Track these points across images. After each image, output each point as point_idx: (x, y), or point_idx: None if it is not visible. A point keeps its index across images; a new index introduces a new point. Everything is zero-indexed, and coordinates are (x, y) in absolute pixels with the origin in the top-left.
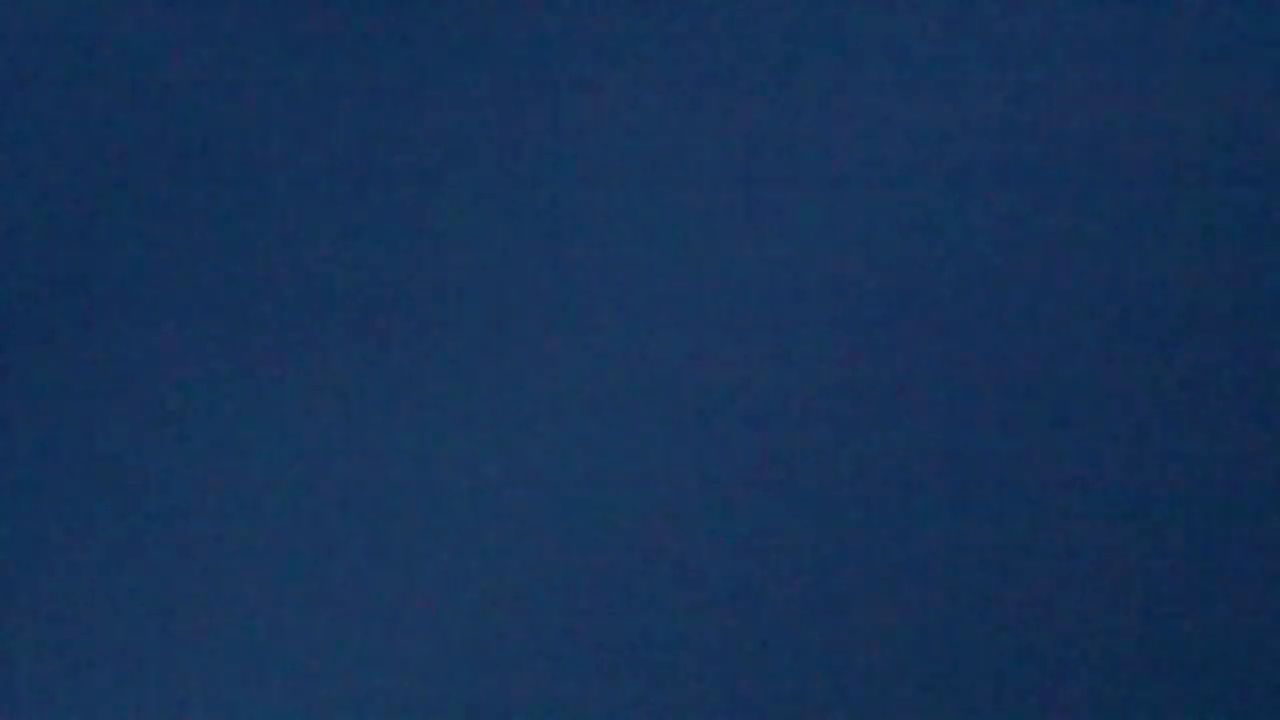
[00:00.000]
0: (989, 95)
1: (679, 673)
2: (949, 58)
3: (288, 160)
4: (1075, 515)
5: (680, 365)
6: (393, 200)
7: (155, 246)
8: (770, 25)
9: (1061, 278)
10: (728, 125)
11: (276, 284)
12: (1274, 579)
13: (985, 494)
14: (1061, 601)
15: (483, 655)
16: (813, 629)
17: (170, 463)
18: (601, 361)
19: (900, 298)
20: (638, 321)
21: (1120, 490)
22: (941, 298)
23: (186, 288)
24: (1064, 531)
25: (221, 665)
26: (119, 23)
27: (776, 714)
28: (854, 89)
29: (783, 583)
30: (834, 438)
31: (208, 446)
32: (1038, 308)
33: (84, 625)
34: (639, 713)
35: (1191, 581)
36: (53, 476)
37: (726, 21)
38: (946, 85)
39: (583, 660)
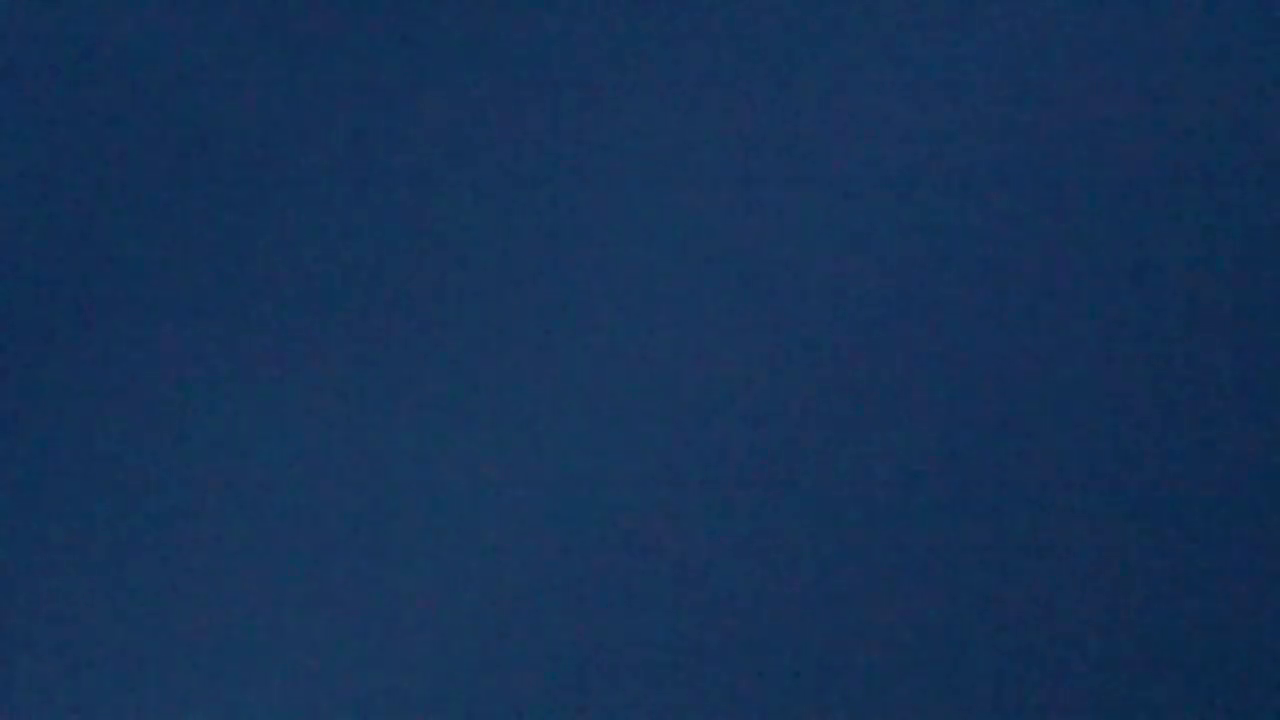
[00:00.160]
0: (989, 95)
1: (679, 673)
2: (949, 58)
3: (288, 160)
4: (1075, 514)
5: (680, 365)
6: (393, 200)
7: (155, 246)
8: (770, 25)
9: (1061, 278)
10: (727, 125)
11: (276, 284)
12: (1274, 579)
13: (985, 493)
14: (1061, 601)
15: (482, 655)
16: (813, 628)
17: (170, 463)
18: (601, 361)
19: (900, 298)
20: (638, 321)
21: (1120, 489)
22: (941, 297)
23: (186, 288)
24: (1064, 531)
25: (221, 665)
26: (119, 23)
27: (777, 714)
28: (854, 89)
29: (782, 582)
30: (833, 437)
31: (208, 446)
32: (1037, 307)
33: (84, 625)
34: (639, 713)
35: (1192, 581)
36: (53, 476)
37: (726, 22)
38: (946, 85)
39: (583, 660)
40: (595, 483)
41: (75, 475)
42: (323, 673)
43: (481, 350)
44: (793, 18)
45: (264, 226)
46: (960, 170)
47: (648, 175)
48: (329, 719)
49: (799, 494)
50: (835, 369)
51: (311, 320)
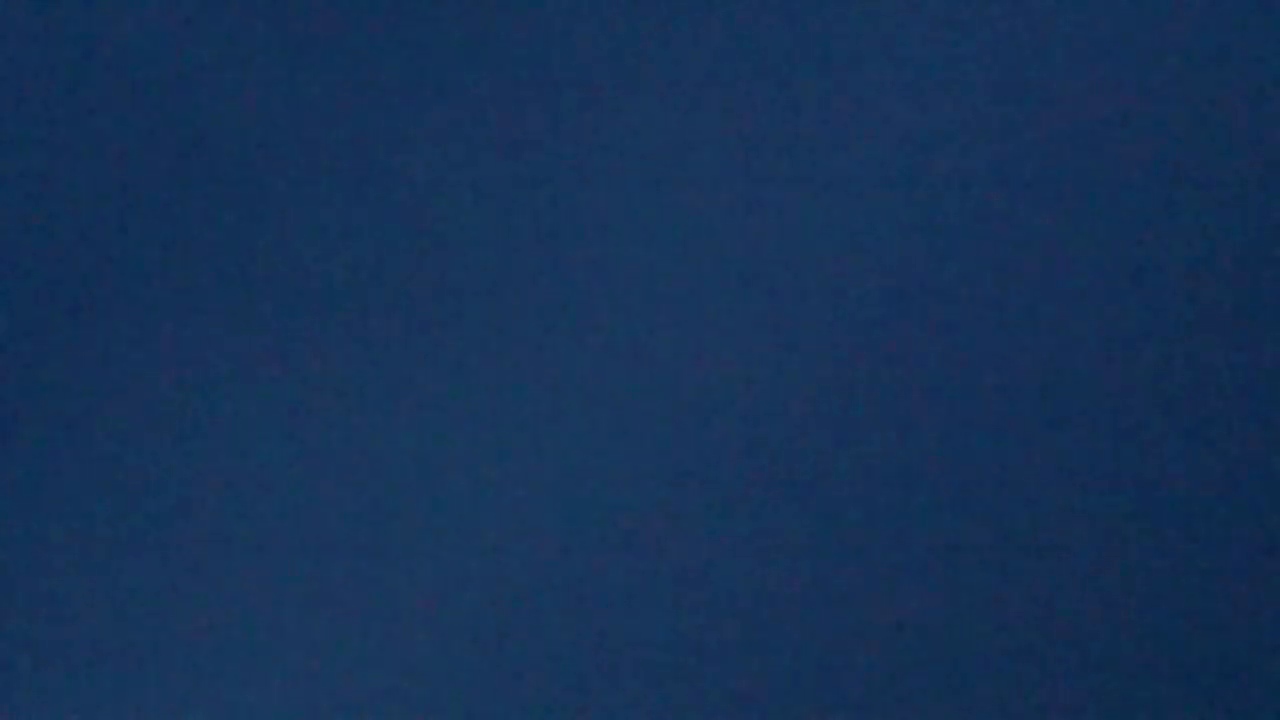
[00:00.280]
0: (989, 96)
1: (679, 672)
2: (949, 58)
3: (288, 160)
4: (1075, 514)
5: (681, 365)
6: (393, 200)
7: (155, 246)
8: (771, 26)
9: (1061, 277)
10: (727, 125)
11: (276, 283)
12: (1274, 579)
13: (985, 493)
14: (1061, 601)
15: (482, 655)
16: (812, 628)
17: (170, 463)
18: (602, 360)
19: (900, 298)
20: (638, 320)
21: (1121, 489)
22: (940, 297)
23: (186, 287)
24: (1063, 531)
25: (221, 665)
26: (119, 23)
27: (777, 714)
28: (854, 89)
29: (783, 582)
30: (834, 437)
31: (208, 446)
32: (1037, 307)
33: (84, 625)
34: (639, 713)
35: (1191, 580)
36: (53, 476)
37: (727, 22)
38: (946, 85)
39: (583, 660)
40: (595, 482)
41: (75, 475)
42: (323, 673)
43: (482, 349)
44: (793, 18)
45: (263, 226)
46: (961, 170)
47: (648, 175)
48: (329, 719)
49: (800, 494)
50: (836, 369)
51: (312, 319)
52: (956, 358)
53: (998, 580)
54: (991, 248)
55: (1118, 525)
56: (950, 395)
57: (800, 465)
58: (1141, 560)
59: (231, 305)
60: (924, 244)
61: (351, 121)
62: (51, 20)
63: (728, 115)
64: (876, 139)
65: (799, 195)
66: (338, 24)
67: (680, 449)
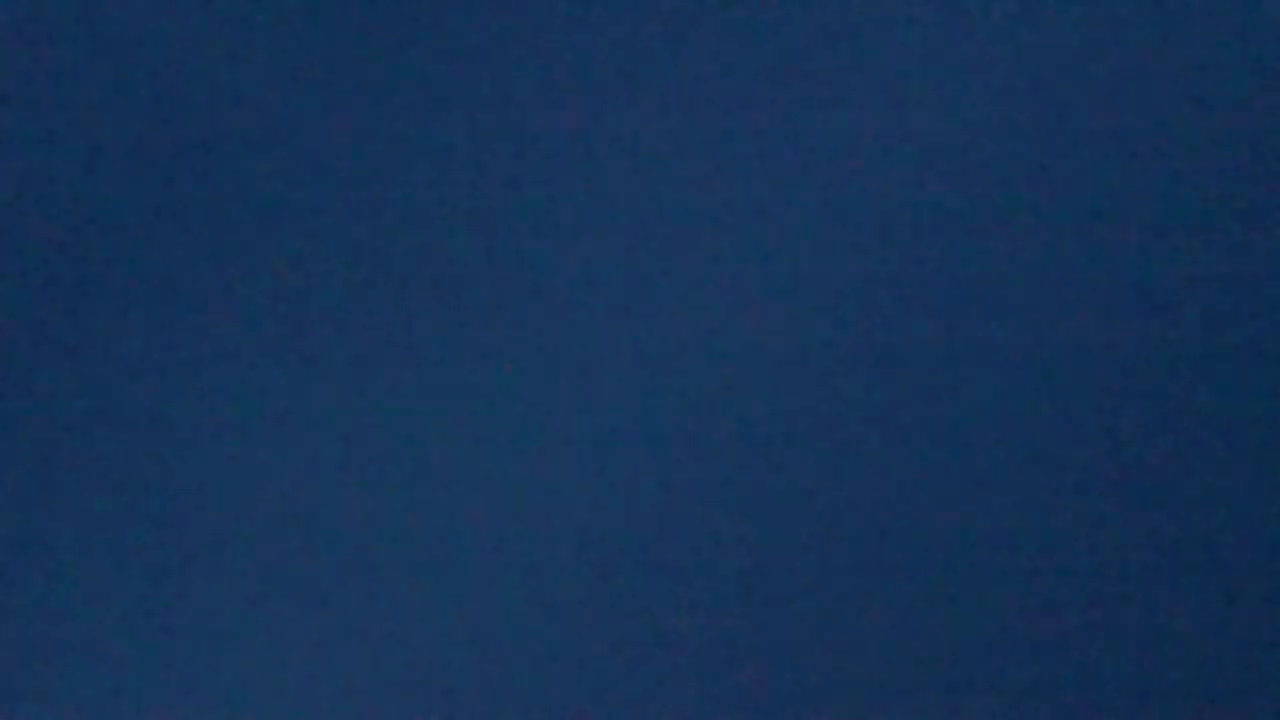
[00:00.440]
0: (989, 96)
1: (680, 672)
2: (949, 58)
3: (288, 159)
4: (1075, 513)
5: (681, 364)
6: (393, 200)
7: (155, 246)
8: (772, 26)
9: (1060, 277)
10: (727, 125)
11: (276, 282)
12: (1274, 578)
13: (985, 493)
14: (1061, 601)
15: (483, 655)
16: (812, 628)
17: (170, 462)
18: (602, 359)
19: (899, 298)
20: (638, 320)
21: (1122, 489)
22: (941, 297)
23: (187, 288)
24: (1065, 530)
25: (222, 665)
26: (121, 21)
27: (777, 714)
28: (854, 89)
29: (784, 581)
30: (835, 437)
31: (208, 446)
32: (1037, 307)
33: (84, 625)
34: (639, 713)
35: (1192, 581)
36: (53, 476)
37: (728, 22)
38: (946, 85)
39: (583, 660)
40: (596, 481)
41: (75, 475)
42: (323, 673)
43: (482, 349)
44: (794, 18)
45: (263, 225)
46: (963, 170)
47: (648, 174)
48: (329, 719)
49: (800, 493)
50: (837, 368)
51: (312, 319)
52: (958, 358)
53: (998, 580)
54: (993, 248)
55: (1118, 525)
56: (951, 395)
57: (800, 465)
58: (1142, 560)
59: (231, 304)
60: (924, 244)
61: (351, 121)
62: (52, 20)
63: (728, 115)
64: (876, 139)
65: (799, 195)
66: (338, 23)
67: (680, 449)
